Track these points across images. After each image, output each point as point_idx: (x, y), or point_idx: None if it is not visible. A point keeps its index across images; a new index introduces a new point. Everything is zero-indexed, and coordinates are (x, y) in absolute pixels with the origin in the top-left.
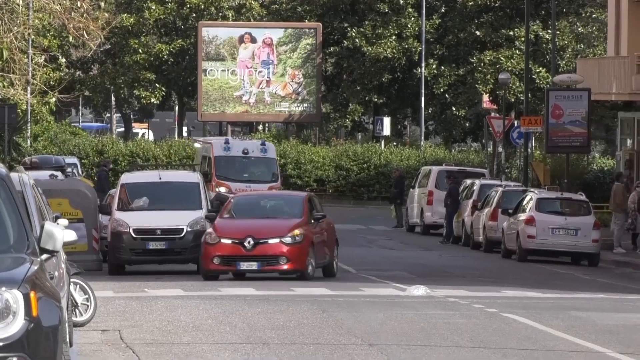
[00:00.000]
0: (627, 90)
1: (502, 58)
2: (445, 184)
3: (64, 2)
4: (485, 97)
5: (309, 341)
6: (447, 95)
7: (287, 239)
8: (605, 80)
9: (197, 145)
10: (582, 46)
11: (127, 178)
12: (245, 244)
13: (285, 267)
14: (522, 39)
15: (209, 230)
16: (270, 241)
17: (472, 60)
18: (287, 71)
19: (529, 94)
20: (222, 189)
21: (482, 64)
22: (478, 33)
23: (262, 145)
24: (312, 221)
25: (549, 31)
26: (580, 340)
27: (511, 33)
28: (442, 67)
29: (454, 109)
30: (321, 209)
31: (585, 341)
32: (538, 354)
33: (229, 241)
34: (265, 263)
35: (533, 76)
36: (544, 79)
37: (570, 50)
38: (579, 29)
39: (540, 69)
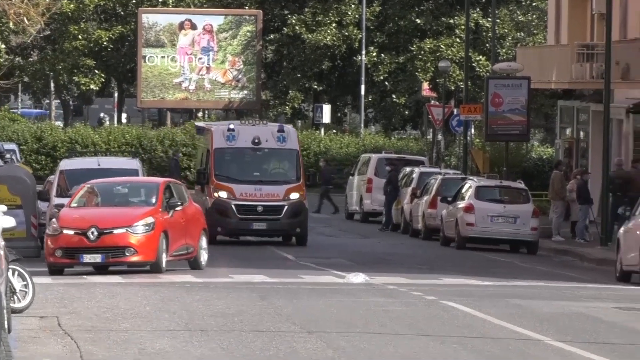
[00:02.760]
0: (567, 78)
1: (442, 46)
2: (385, 172)
3: None
4: (425, 85)
5: (248, 328)
6: (387, 83)
7: (135, 229)
8: (545, 68)
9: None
10: (522, 34)
11: (65, 165)
12: (89, 234)
13: (132, 258)
14: (462, 27)
15: (52, 220)
16: (116, 231)
17: (412, 48)
18: (227, 58)
19: (469, 82)
20: (223, 194)
21: (422, 52)
22: (418, 21)
23: (280, 131)
24: (168, 209)
25: (489, 19)
26: (518, 328)
27: (451, 21)
28: (382, 55)
29: (393, 96)
30: (186, 196)
31: (524, 329)
32: (477, 341)
33: (71, 232)
34: (110, 255)
35: (473, 64)
36: (484, 67)
37: (510, 38)
38: (519, 17)
39: (480, 57)
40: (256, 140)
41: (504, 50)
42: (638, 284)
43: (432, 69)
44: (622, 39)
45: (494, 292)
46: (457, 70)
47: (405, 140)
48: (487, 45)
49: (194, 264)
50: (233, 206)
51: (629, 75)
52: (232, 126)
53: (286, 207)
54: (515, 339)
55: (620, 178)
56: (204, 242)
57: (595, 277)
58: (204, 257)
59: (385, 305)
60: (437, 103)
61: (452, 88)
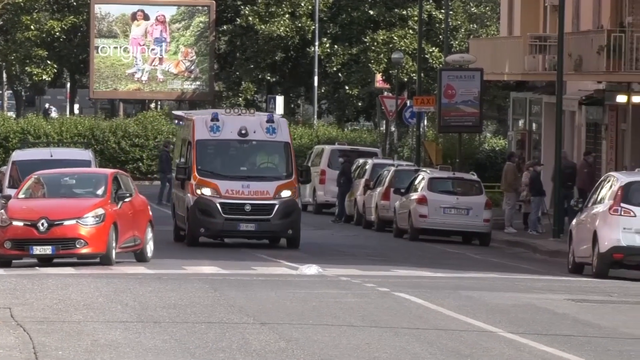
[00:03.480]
0: (520, 70)
1: (396, 37)
2: (338, 163)
3: None
4: (378, 77)
5: (201, 320)
6: (340, 75)
7: (85, 220)
8: (497, 60)
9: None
10: (475, 26)
11: (18, 155)
12: (39, 225)
13: (83, 250)
14: (416, 18)
15: (1, 211)
16: (66, 223)
17: (366, 40)
18: (180, 49)
19: (422, 74)
20: (206, 191)
21: (375, 44)
22: (372, 12)
23: (270, 122)
24: (117, 200)
25: (442, 11)
26: (471, 320)
27: (405, 12)
28: (336, 46)
29: (347, 88)
30: (132, 187)
31: (477, 320)
32: (429, 333)
33: (20, 223)
34: (60, 247)
35: (426, 56)
36: (437, 59)
37: (463, 30)
38: (472, 9)
39: (433, 48)
40: (243, 132)
41: (457, 42)
42: (590, 275)
43: (385, 60)
44: (574, 31)
45: (447, 284)
46: (410, 62)
47: (359, 131)
48: (440, 37)
49: (140, 256)
50: (218, 205)
51: (582, 67)
52: (216, 115)
53: (277, 206)
54: (468, 331)
55: (570, 168)
56: (149, 233)
57: (548, 269)
58: (150, 248)
59: (339, 297)
60: (390, 95)
61: (405, 80)
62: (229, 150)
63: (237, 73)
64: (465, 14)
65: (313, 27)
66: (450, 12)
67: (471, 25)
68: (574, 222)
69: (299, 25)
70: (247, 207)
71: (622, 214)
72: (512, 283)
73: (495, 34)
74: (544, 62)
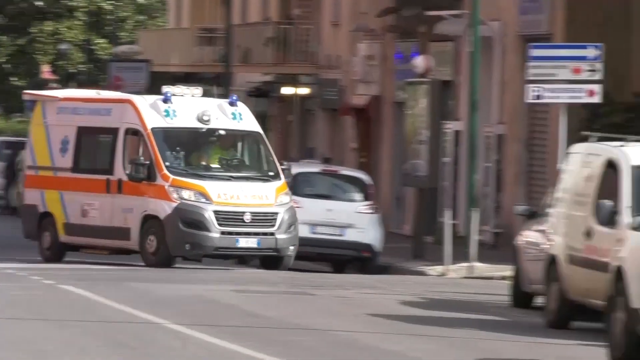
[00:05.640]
0: (189, 61)
1: (63, 28)
2: (5, 155)
3: None
4: (46, 68)
5: None
6: (6, 66)
7: None
8: (166, 51)
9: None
10: (144, 17)
11: None
12: None
13: None
14: (84, 9)
15: None
16: None
17: (33, 31)
18: None
19: (91, 65)
20: (190, 195)
21: (42, 35)
22: (39, 3)
23: (232, 104)
24: None
25: (111, 2)
26: (138, 312)
27: (73, 3)
28: (3, 38)
29: (13, 79)
30: None
31: (144, 312)
32: (96, 325)
33: None
34: None
35: (94, 47)
36: (106, 50)
37: (132, 21)
38: (141, 0)
39: (102, 40)
40: (204, 117)
41: (125, 34)
42: (258, 266)
43: (53, 51)
44: (242, 23)
45: (114, 276)
46: (78, 53)
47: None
48: (108, 28)
49: None
50: (212, 213)
51: (250, 58)
52: (168, 96)
53: (281, 215)
54: (135, 323)
55: None
56: None
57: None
58: None
59: (4, 289)
60: (57, 85)
61: (74, 71)
62: (195, 142)
63: None
64: (134, 5)
65: None
66: (119, 4)
67: (140, 17)
68: None
69: None
70: (247, 217)
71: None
72: (176, 274)
73: (164, 25)
74: (213, 54)
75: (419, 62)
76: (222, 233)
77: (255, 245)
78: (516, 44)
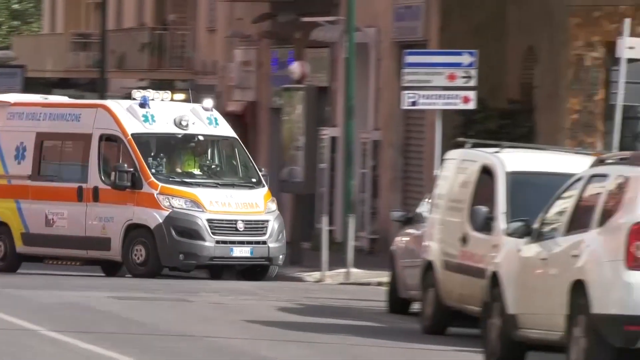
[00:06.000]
0: (63, 67)
1: None
2: None
3: None
4: None
5: None
6: None
7: None
8: (41, 57)
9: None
10: (18, 23)
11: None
12: None
13: None
14: None
15: None
16: None
17: None
18: None
19: None
20: (180, 202)
21: None
22: None
23: (207, 109)
24: None
25: None
26: (13, 319)
27: None
28: None
29: None
30: None
31: (19, 319)
32: None
33: None
34: None
35: None
36: None
37: (6, 27)
38: (15, 5)
39: None
40: (183, 123)
41: None
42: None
43: None
44: (117, 28)
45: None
46: None
47: None
48: None
49: None
50: (205, 222)
51: (125, 64)
52: (146, 100)
53: (272, 223)
54: (10, 330)
55: None
56: None
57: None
58: None
59: None
60: None
61: None
62: (174, 148)
63: None
64: (8, 10)
65: None
66: None
67: (14, 22)
68: None
69: None
70: (240, 225)
71: None
72: (56, 281)
73: (38, 30)
74: (87, 59)
75: (295, 68)
76: (217, 242)
77: (248, 255)
78: (392, 51)
